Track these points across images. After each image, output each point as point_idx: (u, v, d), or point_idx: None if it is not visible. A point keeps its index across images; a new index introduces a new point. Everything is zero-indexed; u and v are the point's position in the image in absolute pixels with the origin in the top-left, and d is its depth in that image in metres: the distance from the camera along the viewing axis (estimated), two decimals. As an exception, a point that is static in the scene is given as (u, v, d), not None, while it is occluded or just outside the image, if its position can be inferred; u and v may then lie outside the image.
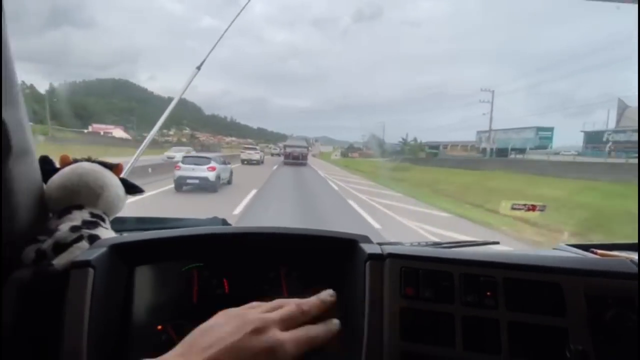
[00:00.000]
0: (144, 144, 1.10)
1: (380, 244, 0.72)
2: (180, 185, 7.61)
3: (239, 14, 1.22)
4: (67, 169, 0.72)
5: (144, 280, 0.69)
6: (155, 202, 6.55)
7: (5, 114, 0.59)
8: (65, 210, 0.69)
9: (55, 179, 0.71)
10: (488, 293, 0.60)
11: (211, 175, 7.68)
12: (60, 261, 0.60)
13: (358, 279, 0.66)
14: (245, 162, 17.89)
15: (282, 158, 24.46)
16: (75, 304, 0.57)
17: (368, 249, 0.67)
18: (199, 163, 7.78)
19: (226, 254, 0.73)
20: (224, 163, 9.10)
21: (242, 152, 20.92)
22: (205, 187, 7.64)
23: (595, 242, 0.87)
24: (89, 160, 0.77)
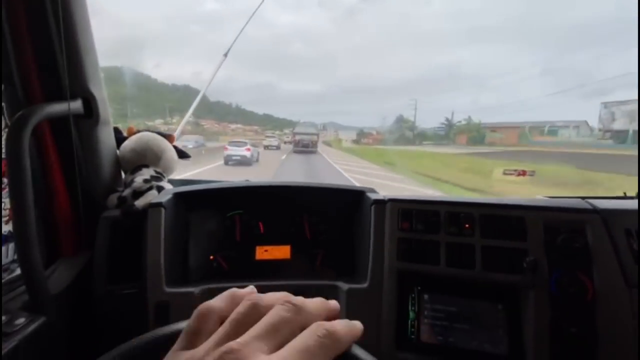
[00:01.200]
0: (177, 132, 1.30)
1: None
2: (227, 160, 11.40)
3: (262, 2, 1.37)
4: (134, 137, 0.92)
5: (198, 222, 0.89)
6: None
7: (94, 92, 0.78)
8: (137, 168, 0.88)
9: (127, 144, 0.90)
10: (467, 225, 0.76)
11: (248, 154, 11.72)
12: (140, 203, 0.80)
13: (365, 219, 0.84)
14: (267, 148, 21.61)
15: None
16: (154, 233, 0.77)
17: (373, 196, 0.85)
18: (239, 146, 12.02)
19: (260, 203, 0.92)
20: (254, 146, 13.33)
21: (264, 139, 24.09)
22: (244, 162, 11.56)
23: None
24: (148, 130, 0.96)
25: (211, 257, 0.88)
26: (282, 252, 0.89)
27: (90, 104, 0.77)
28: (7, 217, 0.71)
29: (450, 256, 0.75)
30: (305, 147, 20.97)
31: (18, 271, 0.74)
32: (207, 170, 9.75)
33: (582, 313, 0.68)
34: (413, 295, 0.76)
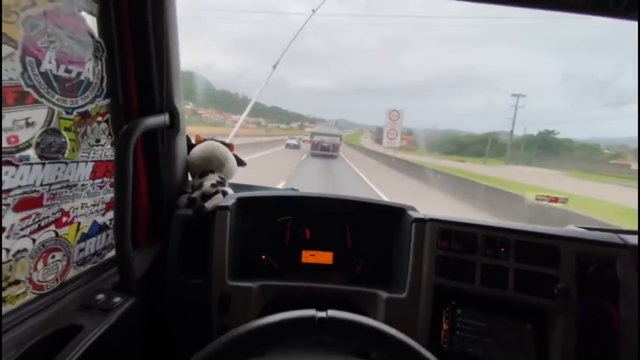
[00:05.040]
0: (236, 127, 1.43)
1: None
2: (287, 146, 22.75)
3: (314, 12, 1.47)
4: (202, 145, 1.03)
5: (253, 224, 0.99)
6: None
7: (178, 106, 0.90)
8: (204, 173, 1.00)
9: (196, 151, 1.02)
10: (502, 249, 0.83)
11: (298, 143, 23.86)
12: (209, 205, 0.91)
13: (405, 235, 0.92)
14: (304, 142, 28.91)
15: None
16: (220, 233, 0.89)
17: (414, 214, 0.93)
18: (293, 139, 25.29)
19: (308, 212, 1.02)
20: (301, 140, 25.65)
21: (302, 136, 33.96)
22: (294, 147, 22.83)
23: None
24: (213, 139, 1.07)
25: (263, 256, 0.98)
26: (325, 257, 0.99)
27: (174, 116, 0.89)
28: (104, 210, 0.84)
29: (484, 276, 0.82)
30: (325, 151, 18.88)
31: (107, 256, 0.87)
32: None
33: (606, 339, 0.74)
34: (447, 308, 0.84)
